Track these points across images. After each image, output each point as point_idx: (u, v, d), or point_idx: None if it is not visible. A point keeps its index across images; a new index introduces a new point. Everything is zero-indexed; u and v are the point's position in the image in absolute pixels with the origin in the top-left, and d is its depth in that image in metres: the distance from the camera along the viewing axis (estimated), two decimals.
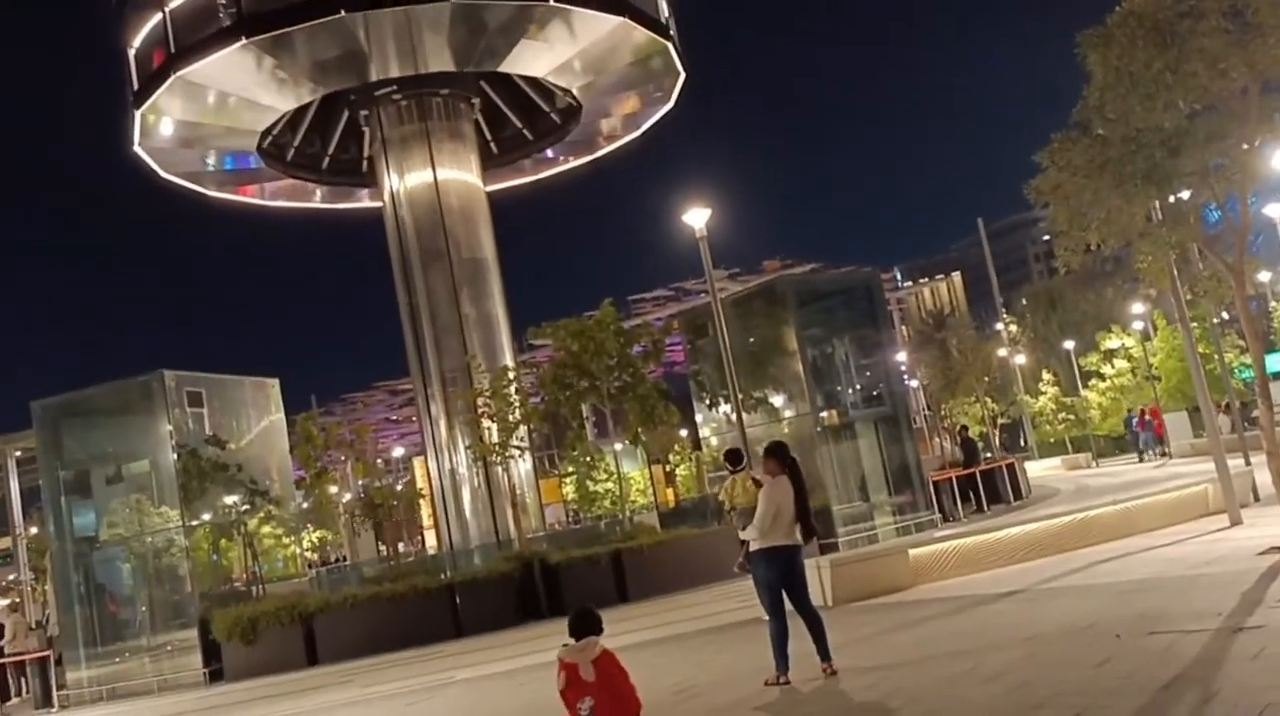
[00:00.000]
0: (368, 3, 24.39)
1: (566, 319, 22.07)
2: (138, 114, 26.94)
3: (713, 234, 20.00)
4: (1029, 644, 8.57)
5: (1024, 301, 65.95)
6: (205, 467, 20.42)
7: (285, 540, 28.12)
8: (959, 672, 7.94)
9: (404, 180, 27.10)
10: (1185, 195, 12.82)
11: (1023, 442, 42.98)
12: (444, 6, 24.63)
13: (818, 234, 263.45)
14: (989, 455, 30.33)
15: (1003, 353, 45.01)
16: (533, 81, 29.36)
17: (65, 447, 21.58)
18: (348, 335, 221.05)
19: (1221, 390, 27.57)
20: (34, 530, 39.41)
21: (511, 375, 22.34)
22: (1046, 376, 47.60)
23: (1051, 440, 46.09)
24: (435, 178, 26.71)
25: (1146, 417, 37.44)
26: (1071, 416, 45.23)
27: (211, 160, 30.74)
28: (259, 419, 22.80)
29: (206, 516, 21.52)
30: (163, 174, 29.41)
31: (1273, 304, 35.36)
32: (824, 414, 23.40)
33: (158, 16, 26.18)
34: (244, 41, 24.69)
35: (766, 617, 8.64)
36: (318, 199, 33.75)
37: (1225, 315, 29.62)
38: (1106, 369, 43.28)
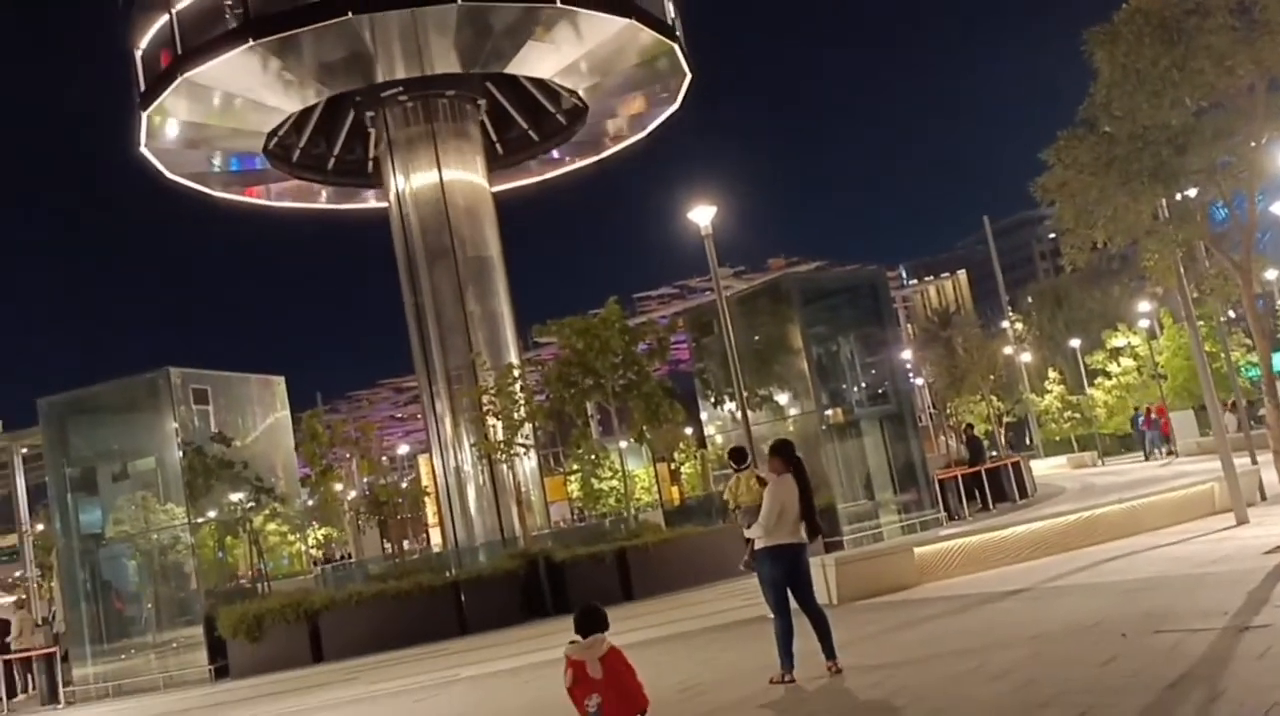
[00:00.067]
0: (374, 5, 24.41)
1: (571, 317, 22.07)
2: (144, 115, 27.00)
3: (718, 232, 19.98)
4: (1034, 642, 8.55)
5: (1029, 299, 65.81)
6: (211, 465, 20.44)
7: (290, 537, 28.16)
8: (964, 671, 7.93)
9: (409, 181, 27.12)
10: (1192, 193, 12.81)
11: (1028, 441, 42.99)
12: (450, 8, 24.63)
13: (822, 233, 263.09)
14: (994, 453, 30.32)
15: (1008, 351, 44.95)
16: (539, 83, 29.35)
17: (71, 445, 21.64)
18: (348, 335, 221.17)
19: (1228, 388, 27.55)
20: (40, 527, 39.51)
21: (516, 373, 22.37)
22: (1052, 374, 47.50)
23: (1057, 438, 46.02)
24: (441, 179, 26.74)
25: (1152, 416, 37.36)
26: (1077, 415, 45.15)
27: (217, 161, 30.81)
28: (264, 416, 22.83)
29: (212, 513, 21.54)
30: (168, 175, 29.48)
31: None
32: (829, 412, 23.38)
33: (164, 18, 26.26)
34: (251, 43, 24.75)
35: (771, 616, 8.64)
36: (323, 200, 33.81)
37: (1232, 313, 29.57)
38: (1112, 367, 43.18)
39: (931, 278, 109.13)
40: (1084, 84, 12.52)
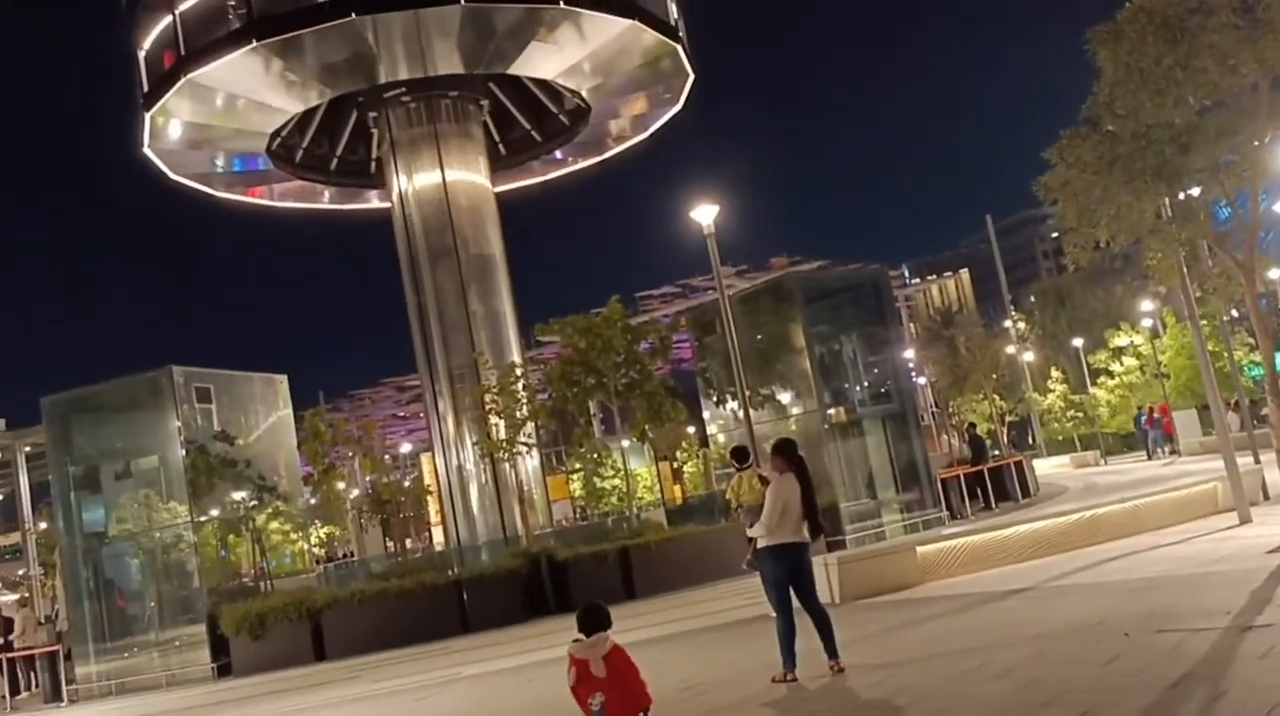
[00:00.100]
0: (377, 6, 24.41)
1: (574, 316, 22.10)
2: (147, 116, 27.03)
3: (720, 232, 19.97)
4: (1037, 641, 8.55)
5: (1032, 299, 65.78)
6: (214, 463, 20.46)
7: (293, 536, 28.17)
8: (967, 670, 7.93)
9: (412, 182, 27.11)
10: (1195, 192, 12.81)
11: (1031, 440, 42.93)
12: (453, 10, 24.60)
13: (823, 233, 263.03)
14: (997, 452, 30.30)
15: (1011, 350, 44.93)
16: (542, 83, 29.35)
17: (75, 443, 21.69)
18: (350, 334, 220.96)
19: (1231, 388, 27.52)
20: (43, 525, 39.56)
21: (519, 372, 22.38)
22: (1055, 374, 47.49)
23: (1060, 438, 45.99)
24: (444, 179, 26.73)
25: (1155, 415, 37.34)
26: (1080, 414, 45.13)
27: (220, 162, 30.83)
28: (267, 415, 22.86)
29: (215, 512, 21.57)
30: (172, 175, 29.50)
31: None
32: (831, 411, 23.39)
33: (168, 19, 26.25)
34: (254, 44, 24.73)
35: (774, 615, 8.64)
36: (325, 200, 33.81)
37: (1235, 312, 29.53)
38: (1115, 366, 43.16)
39: (934, 277, 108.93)
40: (1085, 83, 12.53)
